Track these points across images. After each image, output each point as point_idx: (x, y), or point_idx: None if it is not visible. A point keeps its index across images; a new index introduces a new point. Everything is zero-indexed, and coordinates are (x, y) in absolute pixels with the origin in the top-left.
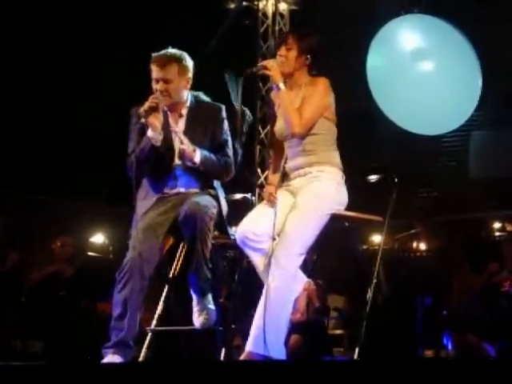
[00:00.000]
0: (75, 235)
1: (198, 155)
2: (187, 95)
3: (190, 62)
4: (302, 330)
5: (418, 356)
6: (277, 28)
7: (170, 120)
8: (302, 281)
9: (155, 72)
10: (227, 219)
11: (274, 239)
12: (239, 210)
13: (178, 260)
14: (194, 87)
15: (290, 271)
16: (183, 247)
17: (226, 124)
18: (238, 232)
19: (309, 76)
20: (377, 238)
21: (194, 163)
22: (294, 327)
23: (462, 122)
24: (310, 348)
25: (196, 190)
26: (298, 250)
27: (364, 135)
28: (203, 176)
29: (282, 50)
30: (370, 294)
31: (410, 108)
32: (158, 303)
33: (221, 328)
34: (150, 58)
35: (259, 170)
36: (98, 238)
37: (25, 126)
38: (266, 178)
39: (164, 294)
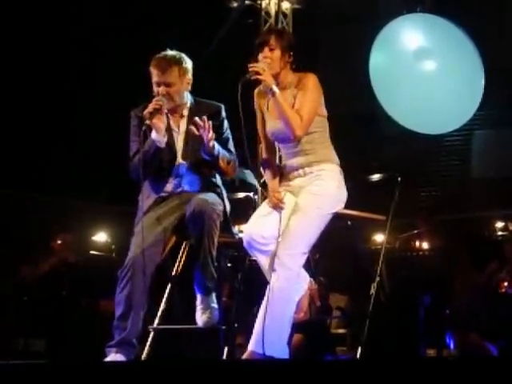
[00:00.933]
0: (77, 234)
1: (216, 148)
2: (187, 96)
3: (189, 63)
4: (305, 329)
5: (421, 355)
6: (279, 27)
7: (172, 121)
8: (305, 280)
9: (156, 76)
10: (230, 218)
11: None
12: (242, 209)
13: (181, 258)
14: (195, 87)
15: (294, 270)
16: (186, 245)
17: (226, 123)
18: (245, 235)
19: (293, 73)
20: (379, 237)
21: (213, 155)
22: (297, 326)
23: (465, 121)
24: (313, 347)
25: (200, 189)
26: (302, 249)
27: (366, 134)
28: (207, 175)
29: (266, 52)
30: (372, 293)
31: (412, 107)
32: (160, 302)
33: (223, 327)
34: (151, 60)
35: (262, 169)
36: (101, 237)
37: (25, 126)
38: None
39: (167, 293)
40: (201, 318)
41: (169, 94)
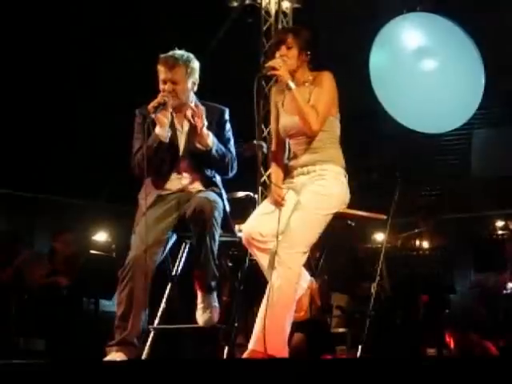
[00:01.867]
0: (78, 233)
1: (211, 138)
2: (192, 97)
3: (196, 64)
4: (305, 328)
5: (421, 354)
6: (280, 26)
7: (176, 120)
8: (306, 279)
9: (163, 73)
10: (231, 217)
11: (277, 238)
12: (242, 208)
13: (181, 258)
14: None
15: (294, 270)
16: (186, 245)
17: (228, 125)
18: (244, 232)
19: (310, 72)
20: (380, 236)
21: (207, 146)
22: (297, 325)
23: (465, 120)
24: (313, 346)
25: (200, 188)
26: (302, 248)
27: (367, 133)
28: (207, 174)
29: (283, 50)
30: (372, 292)
31: (412, 106)
32: (161, 301)
33: (224, 326)
34: (157, 59)
35: (262, 169)
36: (101, 236)
37: (26, 126)
38: (268, 177)
39: (167, 292)
40: (201, 317)
41: (174, 92)
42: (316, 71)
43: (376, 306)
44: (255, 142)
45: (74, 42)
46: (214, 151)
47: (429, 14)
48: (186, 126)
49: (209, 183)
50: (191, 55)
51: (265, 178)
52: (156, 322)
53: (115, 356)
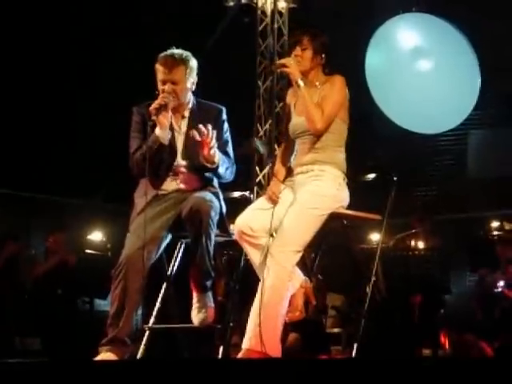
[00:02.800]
0: (71, 233)
1: (217, 156)
2: (190, 96)
3: (195, 63)
4: (300, 328)
5: (416, 355)
6: (276, 26)
7: (173, 120)
8: (298, 278)
9: (162, 74)
10: (226, 217)
11: (271, 235)
12: (238, 208)
13: (176, 257)
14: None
15: (286, 268)
16: (182, 244)
17: (226, 125)
18: (236, 226)
19: (323, 75)
20: (375, 237)
21: (214, 163)
22: (292, 325)
23: (461, 120)
24: (308, 346)
25: (196, 188)
26: (294, 247)
27: (362, 134)
28: (203, 175)
29: (298, 51)
30: (368, 293)
31: (408, 107)
32: (156, 301)
33: (219, 326)
34: (155, 58)
35: (257, 169)
36: (96, 236)
37: (24, 126)
38: (264, 177)
39: (162, 292)
40: (196, 317)
41: (175, 92)
42: (329, 76)
43: (371, 306)
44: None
45: (74, 42)
46: (220, 168)
47: (425, 14)
48: (184, 126)
49: (205, 183)
50: (189, 54)
51: (260, 178)
52: (151, 321)
53: (105, 356)
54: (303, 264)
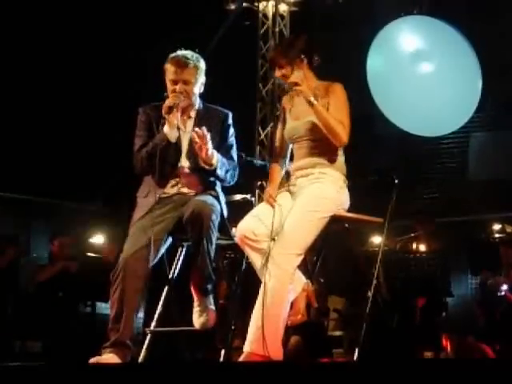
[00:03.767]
0: (74, 237)
1: (215, 158)
2: (197, 99)
3: (204, 64)
4: (302, 331)
5: (418, 357)
6: (277, 29)
7: (179, 121)
8: (300, 281)
9: (174, 74)
10: (228, 220)
11: (272, 239)
12: (239, 211)
13: (178, 261)
14: None
15: (288, 271)
16: (183, 248)
17: (232, 130)
18: (238, 230)
19: (318, 80)
20: (377, 240)
21: (212, 165)
22: (294, 328)
23: (462, 123)
24: (310, 349)
25: (197, 191)
26: (296, 250)
27: (364, 137)
28: (205, 178)
29: (277, 72)
30: (369, 295)
31: (409, 109)
32: (157, 304)
33: (220, 329)
34: (167, 59)
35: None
36: (98, 239)
37: (24, 129)
38: (265, 180)
39: (163, 295)
40: (198, 320)
41: (186, 92)
42: (324, 81)
43: (373, 309)
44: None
45: (74, 44)
46: (218, 170)
47: (426, 17)
48: (190, 127)
49: (207, 186)
50: (199, 56)
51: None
52: (153, 324)
53: (107, 356)
54: (305, 267)
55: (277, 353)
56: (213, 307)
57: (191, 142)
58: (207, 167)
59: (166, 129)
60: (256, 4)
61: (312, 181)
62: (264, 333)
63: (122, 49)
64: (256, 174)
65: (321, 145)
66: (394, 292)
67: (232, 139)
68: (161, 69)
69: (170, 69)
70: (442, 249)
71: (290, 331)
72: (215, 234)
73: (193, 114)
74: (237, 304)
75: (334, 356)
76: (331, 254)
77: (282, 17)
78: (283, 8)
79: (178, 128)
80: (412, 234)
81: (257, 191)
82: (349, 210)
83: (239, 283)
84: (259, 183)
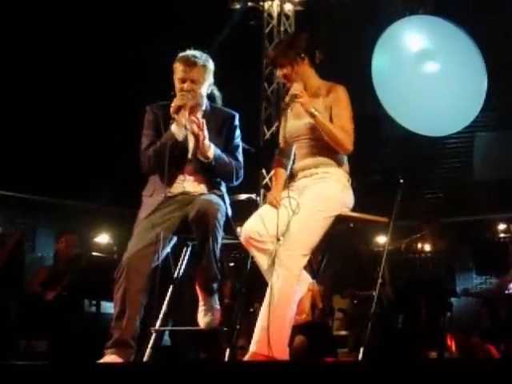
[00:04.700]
0: (80, 235)
1: (212, 151)
2: (204, 100)
3: (213, 66)
4: (307, 330)
5: (422, 357)
6: (282, 29)
7: (186, 121)
8: (306, 281)
9: (182, 72)
10: (233, 220)
11: (278, 240)
12: (244, 211)
13: (183, 260)
14: None
15: (294, 272)
16: (188, 247)
17: (238, 131)
18: (243, 231)
19: (320, 79)
20: (382, 240)
21: (208, 158)
22: (299, 328)
23: (468, 123)
24: (315, 349)
25: (202, 191)
26: (302, 250)
27: (369, 137)
28: (211, 178)
29: (278, 72)
30: (374, 295)
31: (415, 109)
32: (162, 303)
33: (225, 328)
34: (176, 58)
35: (264, 171)
36: (103, 238)
37: (28, 129)
38: (270, 179)
39: (169, 295)
40: (203, 320)
41: (193, 91)
42: (326, 80)
43: (378, 308)
44: None
45: (75, 45)
46: (214, 163)
47: (431, 16)
48: (196, 127)
49: (211, 186)
50: (208, 56)
51: (267, 180)
52: (157, 324)
53: (109, 359)
54: (310, 267)
55: (282, 353)
56: (218, 306)
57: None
58: (203, 159)
59: (173, 128)
60: (261, 3)
61: (316, 180)
62: (269, 333)
63: (122, 49)
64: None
65: (323, 144)
66: (398, 292)
67: (238, 140)
68: (161, 69)
69: (178, 67)
70: (447, 248)
71: (295, 331)
72: (221, 233)
73: (200, 114)
74: (242, 303)
75: (339, 356)
76: (336, 254)
77: (287, 16)
78: (288, 7)
79: (186, 127)
80: (418, 235)
81: (262, 190)
82: (354, 210)
83: (244, 283)
84: (264, 182)
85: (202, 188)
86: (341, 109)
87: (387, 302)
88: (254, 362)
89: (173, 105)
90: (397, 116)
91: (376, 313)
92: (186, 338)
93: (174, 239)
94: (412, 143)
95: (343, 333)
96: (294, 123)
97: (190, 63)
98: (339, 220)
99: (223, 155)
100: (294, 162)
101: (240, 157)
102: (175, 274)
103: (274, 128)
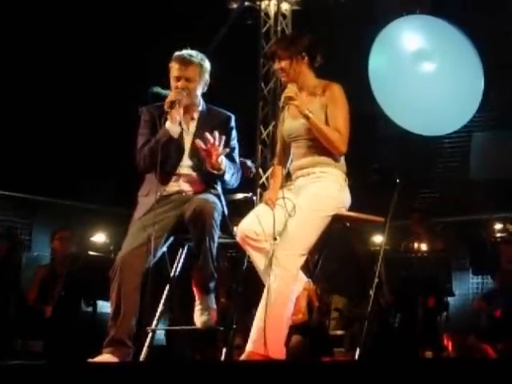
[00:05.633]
0: (75, 232)
1: (224, 163)
2: (200, 100)
3: (209, 65)
4: (303, 330)
5: (418, 357)
6: (279, 28)
7: (182, 121)
8: (302, 280)
9: (177, 70)
10: (229, 219)
11: (274, 239)
12: (240, 210)
13: (180, 259)
14: None
15: (291, 271)
16: (184, 247)
17: (234, 132)
18: (239, 230)
19: (317, 78)
20: (378, 239)
21: (220, 170)
22: (295, 327)
23: (464, 122)
24: (311, 348)
25: (198, 190)
26: (299, 250)
27: (365, 136)
28: (207, 177)
29: (276, 64)
30: (371, 295)
31: (411, 109)
32: (159, 303)
33: (222, 328)
34: (171, 57)
35: (261, 170)
36: (99, 238)
37: (26, 128)
38: (267, 179)
39: (165, 294)
40: (199, 319)
41: (188, 89)
42: (322, 79)
43: (374, 308)
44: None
45: (75, 45)
46: (226, 175)
47: (428, 16)
48: (193, 128)
49: (207, 185)
50: (204, 56)
51: (263, 179)
52: (154, 323)
53: (104, 358)
54: (306, 266)
55: (279, 353)
56: (214, 306)
57: (194, 143)
58: (215, 172)
59: (167, 124)
60: (258, 3)
61: (313, 180)
62: (266, 333)
63: (122, 49)
64: None
65: (320, 144)
66: (395, 291)
67: (234, 142)
68: (161, 69)
69: (174, 66)
70: (444, 248)
71: (291, 331)
72: (217, 232)
73: (196, 115)
74: (238, 303)
75: (335, 355)
76: (332, 253)
77: (284, 16)
78: (285, 7)
79: (181, 124)
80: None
81: (258, 190)
82: (350, 209)
83: (240, 282)
84: (260, 182)
85: (198, 187)
86: (336, 109)
87: (384, 302)
88: (250, 362)
89: (166, 100)
90: (393, 115)
91: (372, 312)
92: (181, 337)
93: (171, 239)
94: (409, 143)
95: (340, 332)
96: (292, 123)
97: (185, 62)
98: (336, 219)
99: (229, 163)
100: (291, 162)
101: (237, 158)
102: (172, 274)
103: (270, 127)
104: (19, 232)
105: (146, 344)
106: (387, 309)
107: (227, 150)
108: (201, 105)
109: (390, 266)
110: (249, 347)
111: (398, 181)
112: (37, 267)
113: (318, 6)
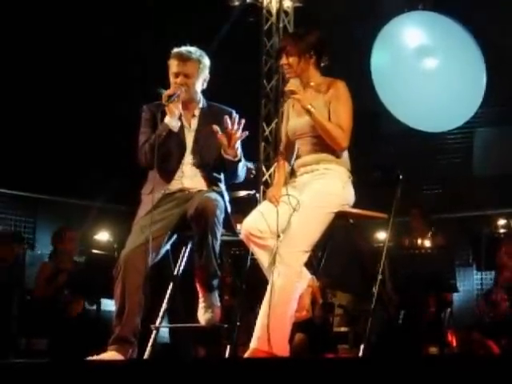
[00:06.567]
0: (78, 231)
1: (239, 150)
2: (200, 97)
3: (208, 61)
4: (307, 327)
5: (423, 353)
6: (281, 25)
7: (183, 118)
8: (306, 277)
9: (176, 66)
10: (232, 216)
11: (278, 236)
12: (244, 207)
13: (183, 257)
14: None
15: (295, 268)
16: (188, 244)
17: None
18: (243, 228)
19: (321, 76)
20: (382, 236)
21: (236, 156)
22: (299, 325)
23: (467, 119)
24: (315, 345)
25: (201, 187)
26: (303, 247)
27: (368, 132)
28: (209, 173)
29: (284, 59)
30: (375, 291)
31: (414, 105)
32: (162, 301)
33: (226, 325)
34: (170, 54)
35: (264, 168)
36: (103, 236)
37: (28, 127)
38: (270, 176)
39: (169, 292)
40: (203, 316)
41: (186, 85)
42: (327, 76)
43: (378, 305)
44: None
45: (75, 45)
46: (240, 164)
47: (430, 12)
48: (194, 125)
49: (210, 182)
50: (204, 52)
51: (266, 177)
52: (158, 321)
53: (108, 354)
54: (310, 263)
55: (283, 350)
56: (218, 303)
57: (196, 140)
58: (231, 158)
59: (166, 118)
60: (260, 0)
61: (317, 177)
62: (270, 330)
63: (122, 49)
64: None
65: (324, 141)
66: (399, 288)
67: None
68: (161, 68)
69: (172, 62)
70: (447, 244)
71: (295, 327)
72: (220, 230)
73: (197, 112)
74: (242, 300)
75: (339, 352)
76: (336, 250)
77: (286, 13)
78: (287, 4)
79: (181, 118)
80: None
81: (261, 187)
82: (353, 206)
83: (244, 279)
84: (264, 179)
85: (200, 184)
86: (339, 105)
87: (387, 298)
88: (254, 359)
89: (164, 94)
90: (396, 112)
91: (376, 309)
92: (185, 334)
93: (174, 237)
94: (411, 139)
95: (343, 329)
96: (297, 121)
97: (183, 58)
98: (339, 216)
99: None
100: (295, 159)
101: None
102: (175, 271)
103: (273, 125)
104: (23, 230)
105: (150, 342)
106: (391, 305)
107: (247, 133)
108: (201, 102)
109: (393, 263)
110: (253, 344)
111: (400, 177)
112: (41, 264)
113: (319, 3)
